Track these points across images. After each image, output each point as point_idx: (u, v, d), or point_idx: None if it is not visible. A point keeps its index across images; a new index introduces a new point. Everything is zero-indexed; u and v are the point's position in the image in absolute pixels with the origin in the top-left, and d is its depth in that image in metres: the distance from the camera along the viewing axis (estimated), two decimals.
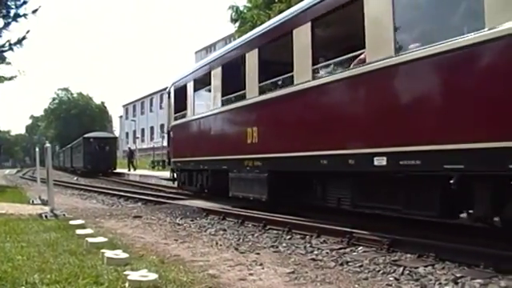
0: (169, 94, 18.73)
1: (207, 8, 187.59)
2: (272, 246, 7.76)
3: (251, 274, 5.82)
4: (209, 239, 8.45)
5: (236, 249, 7.53)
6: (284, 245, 7.82)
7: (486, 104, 6.16)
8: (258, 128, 11.44)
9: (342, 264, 6.40)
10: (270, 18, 22.99)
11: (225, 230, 9.54)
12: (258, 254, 7.14)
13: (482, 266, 5.80)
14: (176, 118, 17.48)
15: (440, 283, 5.35)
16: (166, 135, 19.93)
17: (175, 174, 18.32)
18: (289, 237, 8.54)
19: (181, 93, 16.89)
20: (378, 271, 5.93)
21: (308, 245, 7.74)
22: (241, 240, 8.38)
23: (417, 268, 5.96)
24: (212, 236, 8.84)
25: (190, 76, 16.24)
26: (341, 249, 7.34)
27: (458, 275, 5.55)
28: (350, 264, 6.37)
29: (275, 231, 9.09)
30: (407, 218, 8.16)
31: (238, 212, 11.08)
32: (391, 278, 5.61)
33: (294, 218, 9.46)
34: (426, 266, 6.04)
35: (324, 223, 8.64)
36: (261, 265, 6.32)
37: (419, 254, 6.57)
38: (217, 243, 8.02)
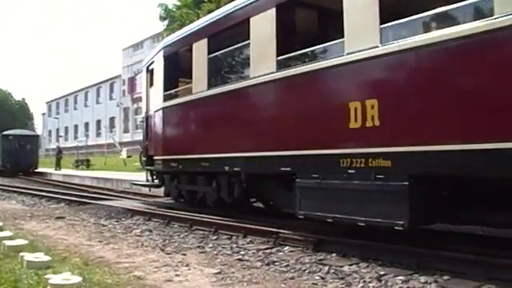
0: (147, 68, 13.81)
1: (135, 5, 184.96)
2: (198, 247, 7.71)
3: (177, 275, 5.77)
4: (134, 240, 8.30)
5: (162, 250, 7.43)
6: (210, 245, 7.79)
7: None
8: (383, 101, 6.44)
9: (268, 264, 6.43)
10: (199, 18, 22.95)
11: (151, 230, 9.40)
12: (185, 254, 7.08)
13: (404, 263, 6.00)
14: (168, 98, 11.94)
15: (364, 281, 5.48)
16: (143, 123, 14.33)
17: (158, 179, 13.35)
18: (215, 237, 8.51)
19: (179, 61, 12.10)
20: (304, 270, 6.00)
21: (234, 245, 7.74)
22: (167, 241, 8.28)
23: (342, 267, 6.08)
24: (137, 237, 8.70)
25: (200, 33, 10.80)
26: (267, 249, 7.37)
27: (382, 273, 5.72)
28: (276, 264, 6.41)
29: (201, 232, 9.04)
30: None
31: (164, 212, 10.94)
32: (317, 277, 5.69)
33: (219, 219, 9.44)
34: (350, 265, 6.17)
35: (250, 223, 8.66)
36: (187, 265, 6.27)
37: (344, 254, 6.71)
38: (142, 244, 7.90)
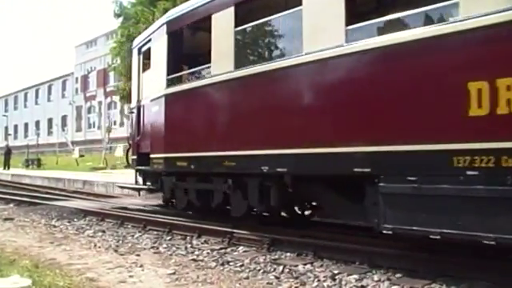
0: (139, 50, 11.92)
1: (89, 2, 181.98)
2: (152, 247, 7.63)
3: (131, 276, 5.70)
4: (87, 241, 8.15)
5: (115, 250, 7.33)
6: (164, 245, 7.72)
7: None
8: None
9: (223, 264, 6.41)
10: (154, 16, 22.74)
11: (104, 231, 9.25)
12: (138, 255, 7.00)
13: (358, 262, 6.10)
14: (173, 83, 9.87)
15: (319, 280, 5.53)
16: (133, 114, 12.30)
17: (151, 182, 11.31)
18: (169, 237, 8.44)
19: (189, 38, 10.33)
20: (259, 270, 6.01)
21: (189, 245, 7.69)
22: (120, 241, 8.17)
23: (296, 266, 6.12)
24: (90, 238, 8.55)
25: (223, 1, 8.49)
26: (222, 249, 7.35)
27: (336, 272, 5.79)
28: (230, 264, 6.40)
29: (155, 232, 8.95)
30: (287, 218, 8.30)
31: (117, 213, 10.80)
32: (272, 277, 5.70)
33: (174, 219, 9.38)
34: (305, 264, 6.21)
35: (205, 223, 8.62)
36: (141, 266, 6.20)
37: (298, 253, 6.76)
38: (95, 245, 7.77)
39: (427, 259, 5.72)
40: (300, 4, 6.94)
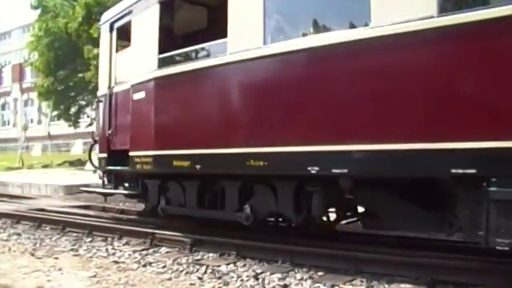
0: (111, 26, 9.82)
1: None
2: (72, 250, 7.42)
3: (49, 281, 5.54)
4: (0, 245, 7.82)
5: (32, 254, 7.08)
6: (84, 248, 7.52)
7: None
8: None
9: (145, 265, 6.32)
10: (74, 9, 22.10)
11: (19, 234, 8.88)
12: (57, 258, 6.79)
13: (280, 261, 6.14)
14: (168, 62, 7.98)
15: (242, 279, 5.55)
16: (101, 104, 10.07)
17: (130, 185, 9.38)
18: (89, 239, 8.22)
19: (192, 6, 8.97)
20: (182, 271, 5.97)
21: (110, 247, 7.52)
22: (37, 244, 7.88)
23: (219, 266, 6.11)
24: (4, 242, 8.19)
25: None
26: (143, 250, 7.24)
27: (259, 271, 5.81)
28: (153, 265, 6.32)
29: (75, 234, 8.69)
30: (209, 219, 8.08)
31: (34, 215, 10.41)
32: (194, 278, 5.68)
33: (94, 220, 9.17)
34: (227, 264, 6.22)
35: (126, 225, 8.48)
36: (60, 270, 6.04)
37: (221, 253, 6.74)
38: (10, 249, 7.47)
39: (346, 257, 5.85)
40: None
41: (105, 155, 9.59)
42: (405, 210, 5.65)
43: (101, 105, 10.06)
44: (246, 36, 6.63)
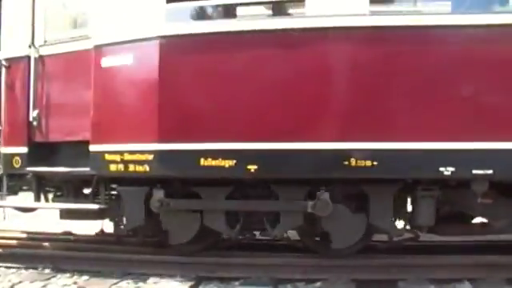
0: None
1: None
2: None
3: None
4: None
5: None
6: None
7: None
8: None
9: None
10: None
11: None
12: None
13: (41, 268, 5.80)
14: (183, 16, 5.73)
15: None
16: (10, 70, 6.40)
17: (96, 199, 5.98)
18: None
19: None
20: None
21: None
22: None
23: None
24: None
25: None
26: None
27: (17, 281, 5.39)
28: None
29: None
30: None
31: None
32: None
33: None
34: None
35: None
36: None
37: None
38: None
39: (110, 259, 5.79)
40: None
41: (22, 150, 6.33)
42: None
43: (8, 73, 6.54)
44: None
